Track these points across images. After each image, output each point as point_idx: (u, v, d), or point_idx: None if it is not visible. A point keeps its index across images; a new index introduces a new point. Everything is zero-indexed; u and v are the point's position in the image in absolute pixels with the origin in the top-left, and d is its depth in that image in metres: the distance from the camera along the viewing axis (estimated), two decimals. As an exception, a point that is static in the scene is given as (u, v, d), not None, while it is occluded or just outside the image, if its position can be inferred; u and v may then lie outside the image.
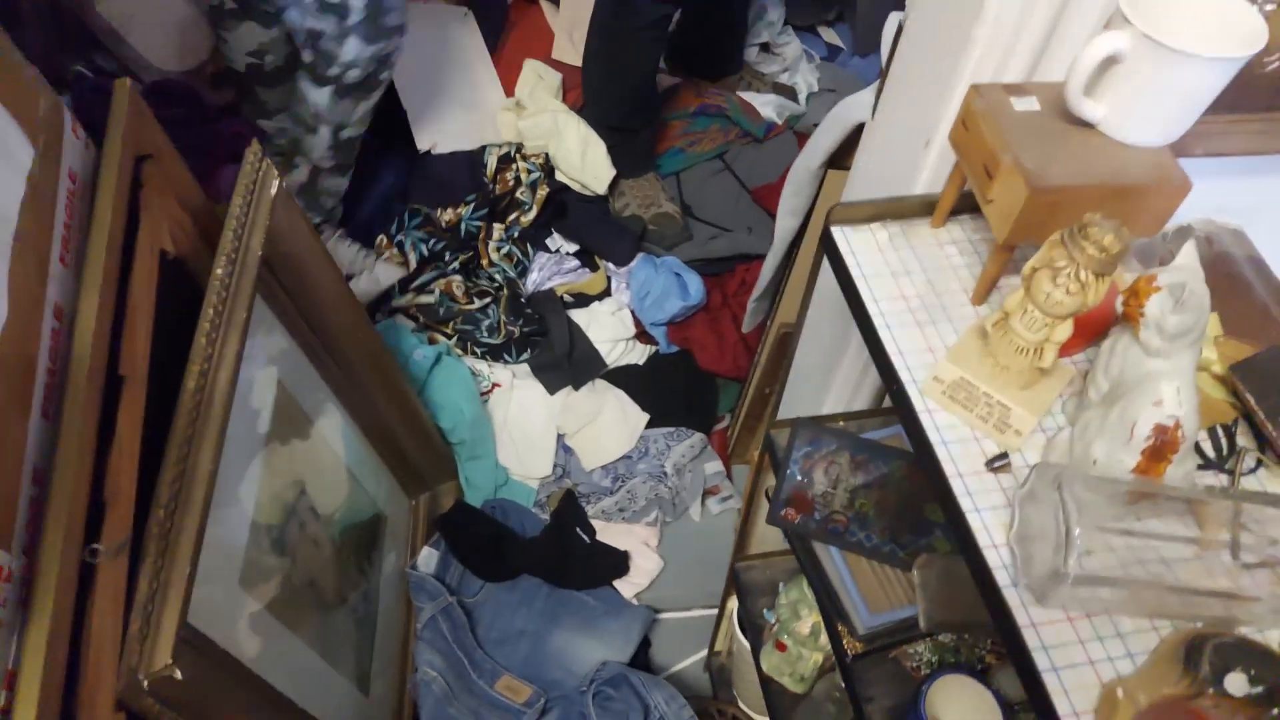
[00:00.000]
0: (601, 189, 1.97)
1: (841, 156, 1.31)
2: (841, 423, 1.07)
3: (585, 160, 1.96)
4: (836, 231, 0.86)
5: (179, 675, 0.78)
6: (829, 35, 2.48)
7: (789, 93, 2.19)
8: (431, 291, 1.83)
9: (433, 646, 1.39)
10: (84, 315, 0.83)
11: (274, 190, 1.14)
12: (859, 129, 1.26)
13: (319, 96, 1.47)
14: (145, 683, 0.76)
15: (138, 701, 0.76)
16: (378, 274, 1.81)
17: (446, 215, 1.88)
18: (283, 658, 1.10)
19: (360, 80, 1.47)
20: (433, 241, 1.85)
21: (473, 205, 1.89)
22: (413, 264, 1.83)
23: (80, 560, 0.74)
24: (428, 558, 1.52)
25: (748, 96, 2.13)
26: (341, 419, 1.42)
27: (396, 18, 1.42)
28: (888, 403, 1.16)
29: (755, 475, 1.17)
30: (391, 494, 1.57)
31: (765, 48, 2.27)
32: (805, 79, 2.20)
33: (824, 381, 1.21)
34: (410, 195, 1.93)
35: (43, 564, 0.71)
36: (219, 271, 1.02)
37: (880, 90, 1.09)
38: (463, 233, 1.88)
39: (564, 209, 1.97)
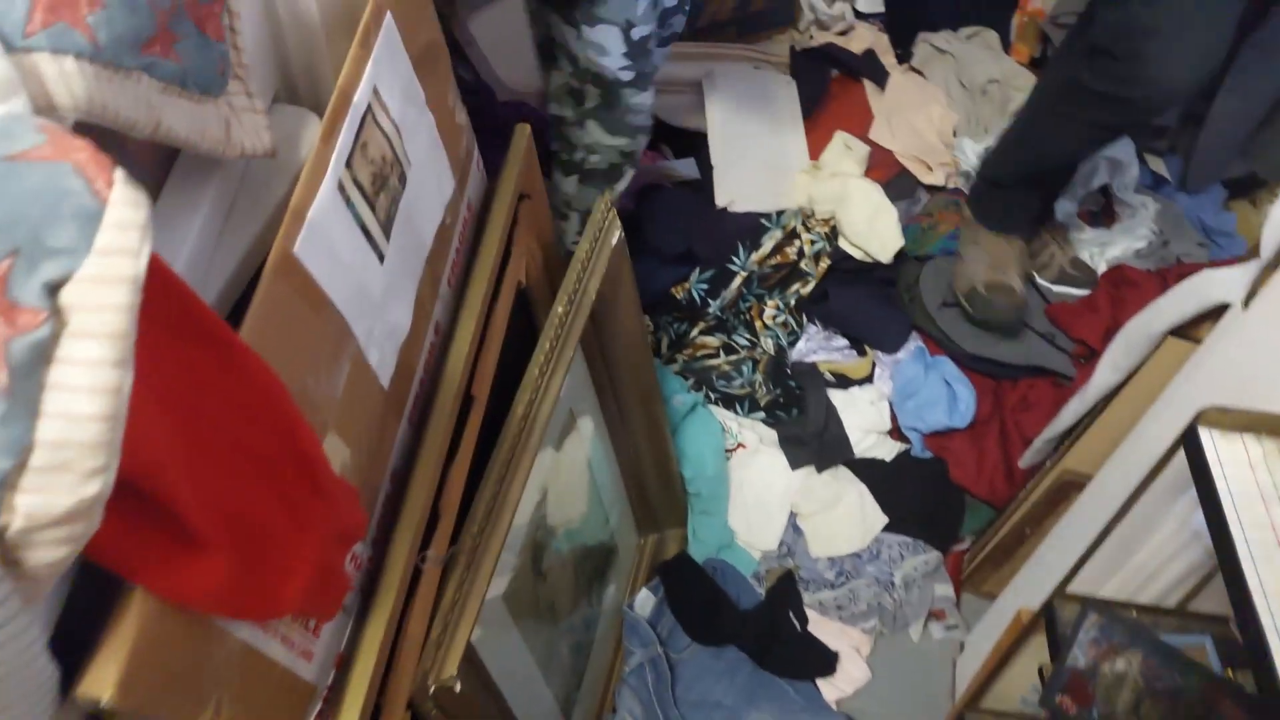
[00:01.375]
0: (887, 257, 1.94)
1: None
2: (1135, 613, 1.00)
3: (873, 227, 1.94)
4: (1204, 434, 0.81)
5: (459, 688, 0.84)
6: (1154, 164, 2.33)
7: (1084, 270, 1.99)
8: (676, 361, 1.88)
9: (635, 694, 1.43)
10: (460, 337, 0.91)
11: (615, 239, 1.20)
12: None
13: (568, 185, 1.53)
14: (432, 688, 0.83)
15: (421, 704, 0.83)
16: None
17: (677, 291, 1.90)
18: (514, 669, 1.16)
19: (605, 168, 1.50)
20: (680, 325, 1.89)
21: (697, 276, 1.90)
22: (663, 348, 1.88)
23: (413, 564, 0.82)
24: (644, 601, 1.56)
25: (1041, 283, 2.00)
26: (605, 446, 1.48)
27: (642, 119, 1.45)
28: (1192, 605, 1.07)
29: (1020, 635, 1.11)
30: (625, 527, 1.62)
31: (1105, 192, 2.13)
32: (1140, 233, 2.02)
33: (1113, 556, 1.14)
34: (694, 248, 1.95)
35: (390, 561, 0.78)
36: (559, 310, 1.09)
37: (1261, 279, 1.02)
38: (687, 300, 1.89)
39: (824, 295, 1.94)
